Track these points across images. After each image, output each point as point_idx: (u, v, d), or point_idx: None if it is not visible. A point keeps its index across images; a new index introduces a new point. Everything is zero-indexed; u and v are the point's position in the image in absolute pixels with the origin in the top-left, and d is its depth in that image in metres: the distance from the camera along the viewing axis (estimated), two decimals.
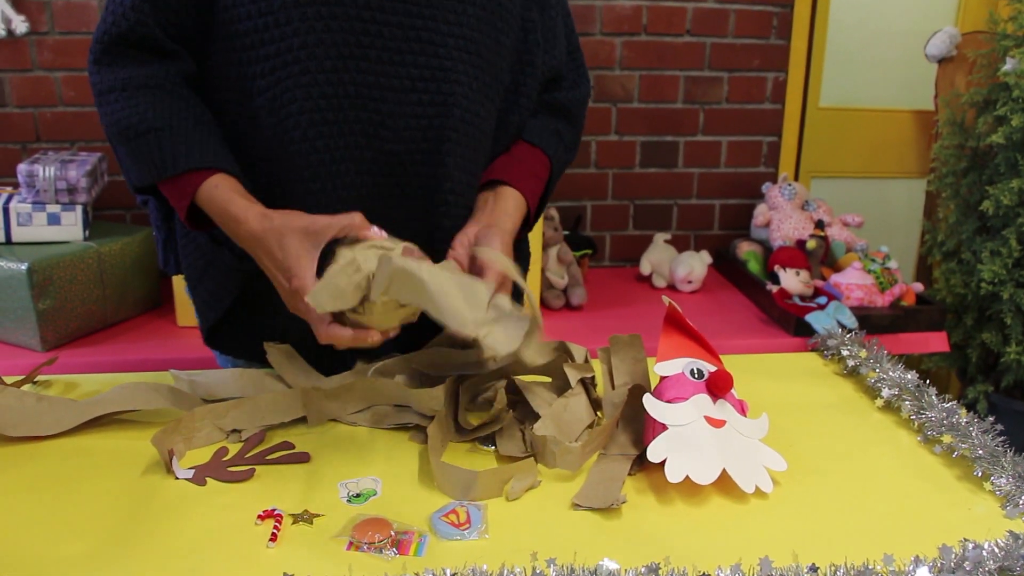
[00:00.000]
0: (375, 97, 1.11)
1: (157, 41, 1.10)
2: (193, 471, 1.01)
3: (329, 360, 1.20)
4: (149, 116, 1.08)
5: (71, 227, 1.96)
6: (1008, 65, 2.32)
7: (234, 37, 1.09)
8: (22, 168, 1.94)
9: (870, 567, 0.83)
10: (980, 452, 1.07)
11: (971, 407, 2.57)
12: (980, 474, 1.05)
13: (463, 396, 1.16)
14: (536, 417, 1.10)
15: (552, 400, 1.14)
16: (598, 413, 1.16)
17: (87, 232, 1.99)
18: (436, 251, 1.19)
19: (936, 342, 2.21)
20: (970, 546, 0.86)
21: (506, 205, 1.20)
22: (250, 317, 1.23)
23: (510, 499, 0.97)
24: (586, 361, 1.20)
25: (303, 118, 1.09)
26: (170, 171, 1.08)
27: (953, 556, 0.85)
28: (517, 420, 1.14)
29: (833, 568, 0.83)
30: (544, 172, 1.28)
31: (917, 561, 0.85)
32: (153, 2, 1.08)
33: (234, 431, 1.10)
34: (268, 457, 1.04)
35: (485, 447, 1.10)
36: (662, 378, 1.08)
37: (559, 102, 1.31)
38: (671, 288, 2.47)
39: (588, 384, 1.18)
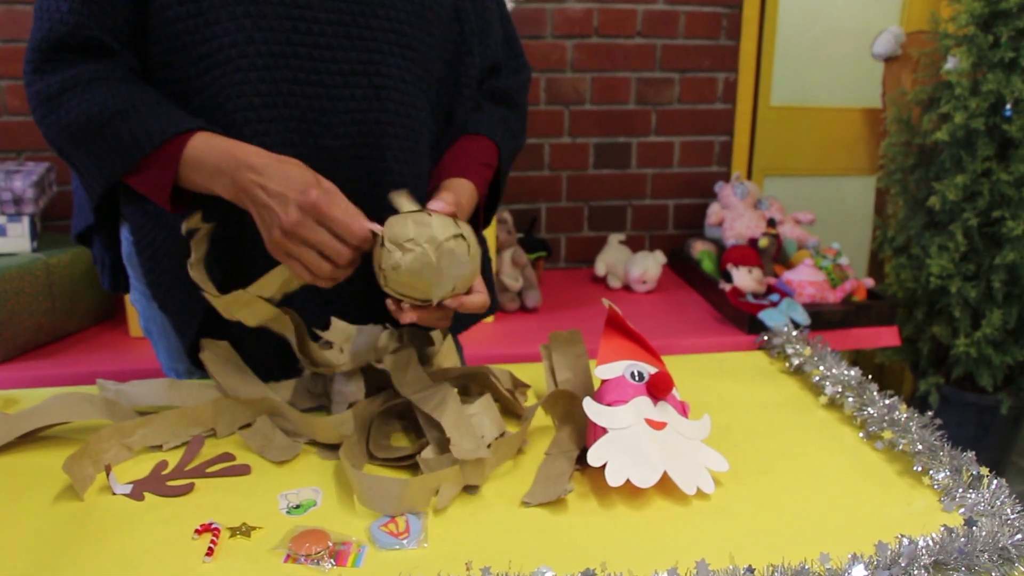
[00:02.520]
0: (308, 94, 1.10)
1: (100, 42, 1.07)
2: (131, 486, 0.99)
3: (282, 368, 1.20)
4: (111, 103, 1.04)
5: (18, 238, 1.93)
6: (950, 64, 2.36)
7: (167, 39, 1.08)
8: None
9: (807, 567, 0.84)
10: (919, 447, 1.08)
11: (924, 400, 2.60)
12: (920, 469, 1.06)
13: (376, 426, 1.13)
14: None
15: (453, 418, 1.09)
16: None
17: (35, 243, 1.96)
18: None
19: (887, 336, 2.24)
20: (905, 542, 0.87)
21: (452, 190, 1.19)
22: (225, 328, 1.21)
23: (439, 508, 0.96)
24: (514, 386, 1.21)
25: (238, 116, 1.09)
26: (147, 147, 1.04)
27: (889, 552, 0.86)
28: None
29: (771, 568, 0.84)
30: (492, 158, 1.28)
31: (854, 559, 0.85)
32: (91, 5, 1.05)
33: (154, 446, 1.09)
34: (208, 470, 1.03)
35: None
36: (603, 381, 1.08)
37: (500, 89, 1.31)
38: (626, 288, 2.48)
39: (511, 397, 1.17)
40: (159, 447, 1.09)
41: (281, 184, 1.01)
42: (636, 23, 2.54)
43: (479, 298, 1.08)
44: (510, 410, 1.18)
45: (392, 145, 1.16)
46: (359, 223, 1.02)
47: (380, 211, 1.14)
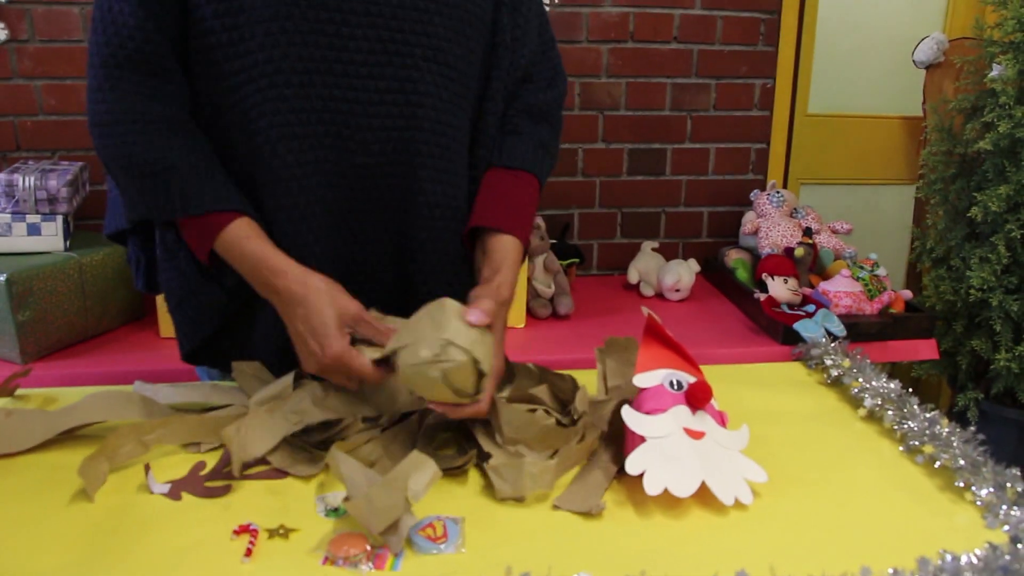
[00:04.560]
0: (343, 110, 1.10)
1: (163, 60, 1.08)
2: (169, 486, 1.00)
3: (290, 367, 1.19)
4: (166, 154, 1.07)
5: (51, 237, 1.94)
6: (995, 71, 2.33)
7: (203, 51, 1.08)
8: (1, 177, 1.92)
9: None
10: (962, 462, 1.06)
11: (962, 415, 2.56)
12: (962, 484, 1.04)
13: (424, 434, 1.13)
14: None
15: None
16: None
17: (68, 242, 1.98)
18: (412, 263, 1.19)
19: (925, 350, 2.20)
20: (948, 558, 0.86)
21: (502, 267, 1.17)
22: (230, 337, 1.22)
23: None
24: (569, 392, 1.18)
25: (272, 132, 1.09)
26: (192, 210, 1.08)
27: (931, 568, 0.85)
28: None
29: None
30: (535, 194, 1.26)
31: (896, 573, 0.84)
32: (155, 20, 1.06)
33: (193, 444, 1.09)
34: (245, 472, 1.03)
35: None
36: (641, 389, 1.07)
37: (536, 105, 1.28)
38: (659, 297, 2.46)
39: (562, 409, 1.16)
40: (197, 446, 1.10)
41: (305, 327, 1.05)
42: (672, 28, 2.53)
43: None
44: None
45: (426, 164, 1.15)
46: (373, 372, 1.05)
47: (411, 230, 1.15)
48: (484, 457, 1.06)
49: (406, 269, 1.19)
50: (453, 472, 1.05)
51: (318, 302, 1.04)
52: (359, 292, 1.09)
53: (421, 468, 0.93)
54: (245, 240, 1.08)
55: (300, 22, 1.06)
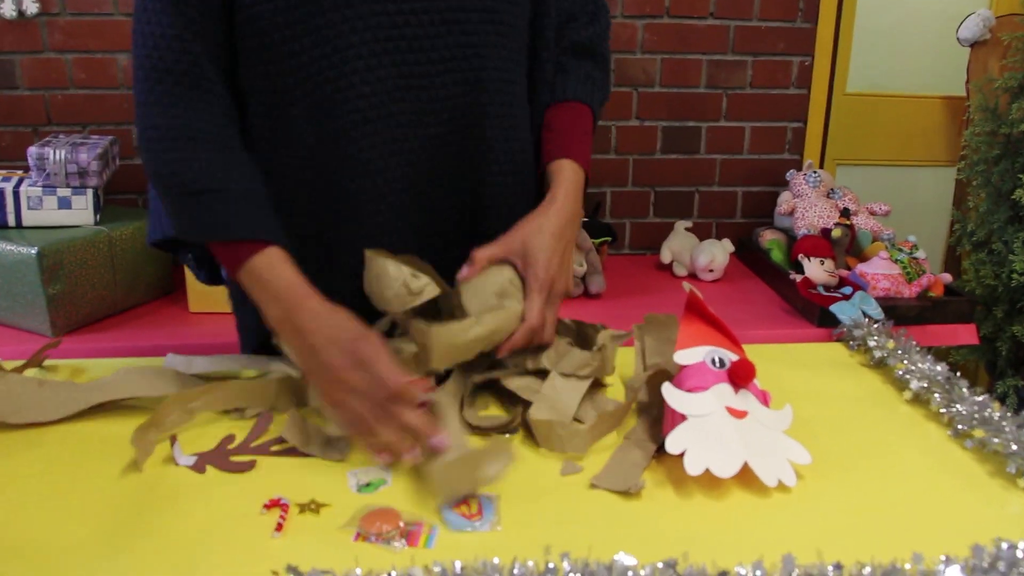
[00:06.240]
0: (413, 86, 1.11)
1: (203, 70, 1.07)
2: (195, 458, 0.99)
3: None
4: (204, 175, 1.06)
5: (82, 211, 1.95)
6: None
7: (262, 50, 1.08)
8: (32, 151, 1.93)
9: (898, 566, 0.80)
10: (1014, 447, 1.02)
11: (1000, 401, 2.51)
12: (1014, 471, 1.01)
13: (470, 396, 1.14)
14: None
15: (537, 384, 1.12)
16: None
17: (98, 216, 1.98)
18: (482, 224, 1.21)
19: (965, 334, 2.16)
20: (1004, 546, 0.82)
21: (553, 188, 1.20)
22: None
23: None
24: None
25: (346, 119, 1.09)
26: (222, 236, 1.06)
27: (986, 556, 0.82)
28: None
29: (859, 566, 0.80)
30: (588, 123, 1.29)
31: (948, 560, 0.81)
32: (193, 28, 1.06)
33: (236, 410, 1.09)
34: (273, 448, 1.02)
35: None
36: (682, 366, 1.05)
37: (581, 42, 1.29)
38: (692, 277, 2.44)
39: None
40: (241, 412, 1.10)
41: (333, 330, 1.00)
42: (709, 4, 2.49)
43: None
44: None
45: (493, 124, 1.18)
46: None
47: (482, 190, 1.19)
48: (526, 405, 1.08)
49: (477, 231, 1.21)
50: (496, 433, 1.07)
51: (348, 315, 1.02)
52: (434, 261, 1.12)
53: (500, 453, 0.94)
54: (278, 269, 1.05)
55: (360, 7, 1.06)
